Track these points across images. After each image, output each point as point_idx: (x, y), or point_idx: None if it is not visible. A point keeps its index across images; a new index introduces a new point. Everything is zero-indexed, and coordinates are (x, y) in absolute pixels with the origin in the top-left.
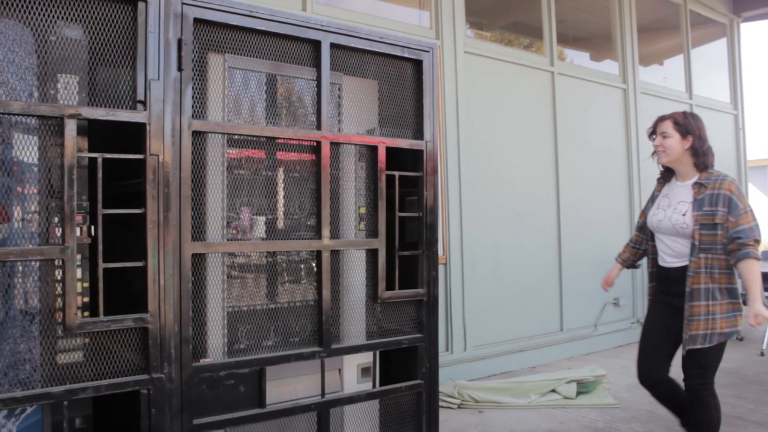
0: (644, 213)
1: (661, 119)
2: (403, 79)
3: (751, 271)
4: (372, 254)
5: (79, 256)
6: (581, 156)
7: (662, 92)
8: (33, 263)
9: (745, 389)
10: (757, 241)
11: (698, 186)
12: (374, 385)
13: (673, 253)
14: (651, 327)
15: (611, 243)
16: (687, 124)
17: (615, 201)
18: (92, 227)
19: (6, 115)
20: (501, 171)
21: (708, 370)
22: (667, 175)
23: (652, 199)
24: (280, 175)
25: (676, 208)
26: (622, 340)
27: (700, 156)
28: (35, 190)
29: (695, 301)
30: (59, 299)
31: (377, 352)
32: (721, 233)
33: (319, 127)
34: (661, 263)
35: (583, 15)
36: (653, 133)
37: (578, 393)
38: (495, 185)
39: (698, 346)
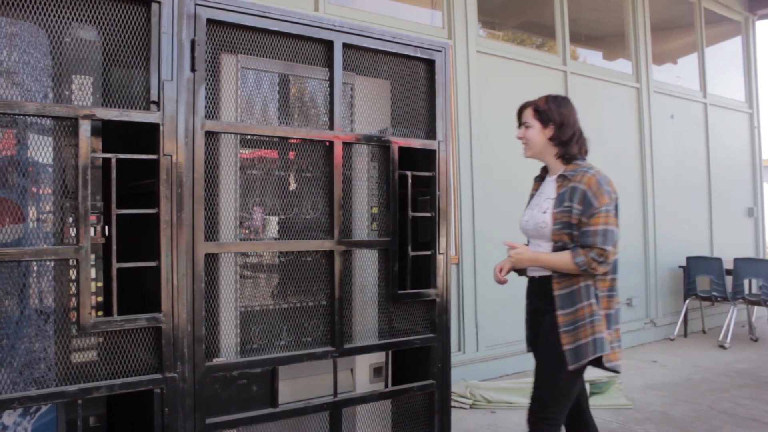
0: None
1: (523, 107)
2: (415, 78)
3: (560, 261)
4: (384, 254)
5: (93, 256)
6: (594, 155)
7: (676, 91)
8: (48, 263)
9: (760, 390)
10: (600, 253)
11: (562, 179)
12: (386, 385)
13: None
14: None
15: (624, 242)
16: (547, 111)
17: (628, 200)
18: (106, 227)
19: (21, 116)
20: (514, 171)
21: (548, 400)
22: (543, 173)
23: (529, 200)
24: (293, 175)
25: (541, 206)
26: (635, 340)
27: (563, 146)
28: (50, 191)
29: (578, 303)
30: (73, 299)
31: (389, 352)
32: (576, 234)
33: (331, 127)
34: (528, 273)
35: (596, 14)
36: (518, 121)
37: (591, 393)
38: (507, 185)
39: (590, 359)
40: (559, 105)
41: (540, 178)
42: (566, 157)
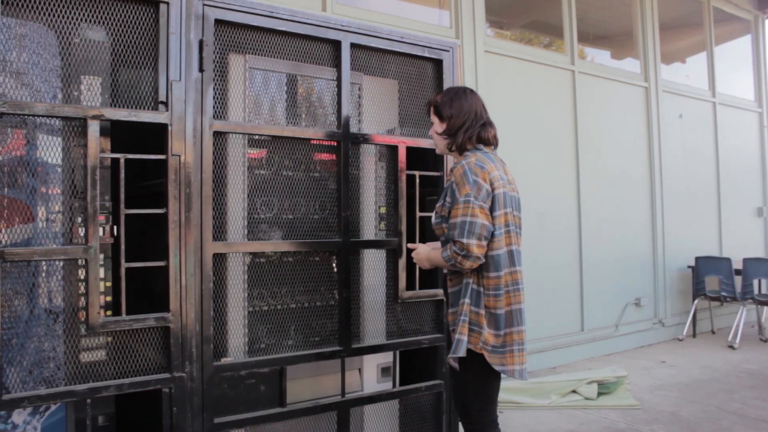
0: None
1: (427, 104)
2: (423, 78)
3: (440, 255)
4: (392, 254)
5: (101, 256)
6: (602, 155)
7: (684, 90)
8: (57, 263)
9: None
10: (462, 247)
11: (450, 173)
12: (394, 385)
13: None
14: None
15: (633, 243)
16: (440, 105)
17: (636, 200)
18: (115, 227)
19: (31, 117)
20: (521, 170)
21: (464, 403)
22: None
23: None
24: (301, 175)
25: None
26: (643, 340)
27: (452, 138)
28: (59, 191)
29: (452, 307)
30: (82, 298)
31: (397, 352)
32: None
33: (339, 127)
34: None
35: (604, 13)
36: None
37: (599, 394)
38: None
39: (451, 356)
40: (451, 97)
41: None
42: (460, 150)
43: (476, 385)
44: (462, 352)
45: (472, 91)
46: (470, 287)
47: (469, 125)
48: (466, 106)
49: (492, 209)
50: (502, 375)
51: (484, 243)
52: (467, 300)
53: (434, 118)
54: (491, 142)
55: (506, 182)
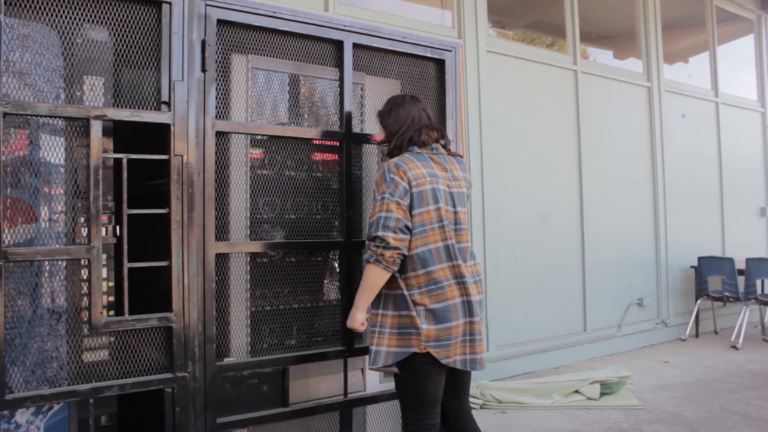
0: None
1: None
2: (425, 78)
3: (364, 276)
4: None
5: (104, 256)
6: (605, 155)
7: (687, 90)
8: (59, 262)
9: None
10: (379, 240)
11: None
12: None
13: None
14: None
15: (635, 243)
16: (381, 114)
17: (639, 200)
18: (117, 227)
19: (34, 117)
20: (523, 170)
21: (403, 407)
22: None
23: None
24: (303, 175)
25: None
26: (646, 340)
27: (389, 143)
28: (62, 191)
29: (373, 309)
30: (85, 298)
31: None
32: None
33: (342, 126)
34: None
35: (607, 12)
36: None
37: (602, 394)
38: (517, 185)
39: (370, 367)
40: (390, 106)
41: None
42: (391, 156)
43: (411, 388)
44: (381, 362)
45: (412, 97)
46: (395, 294)
47: (405, 130)
48: (402, 114)
49: (413, 206)
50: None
51: (402, 236)
52: (389, 311)
53: (381, 127)
54: (427, 143)
55: (443, 178)
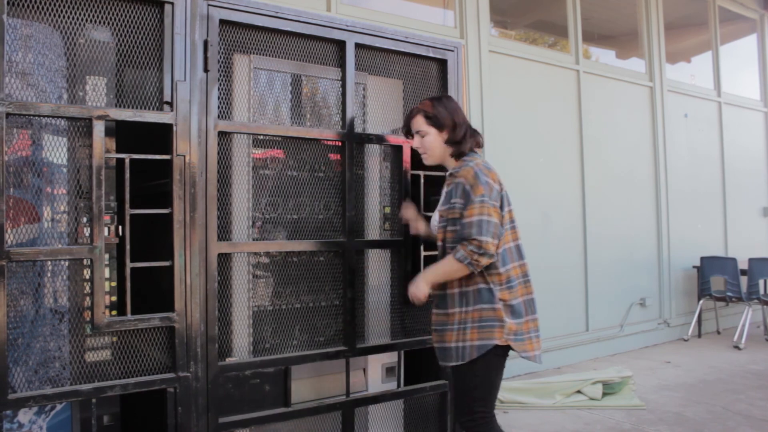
0: None
1: (411, 115)
2: (427, 78)
3: (448, 266)
4: (397, 254)
5: (107, 256)
6: (607, 155)
7: (690, 90)
8: (62, 262)
9: None
10: (478, 244)
11: (449, 176)
12: (399, 385)
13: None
14: None
15: (637, 243)
16: (438, 115)
17: (641, 200)
18: (120, 227)
19: (36, 117)
20: (526, 170)
21: (472, 401)
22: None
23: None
24: (305, 175)
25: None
26: (648, 341)
27: (458, 145)
28: (64, 191)
29: (450, 308)
30: (87, 298)
31: (402, 352)
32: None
33: (344, 126)
34: None
35: (609, 12)
36: (408, 131)
37: (604, 394)
38: (519, 185)
39: (452, 363)
40: (446, 106)
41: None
42: (456, 156)
43: (485, 381)
44: (469, 357)
45: (448, 97)
46: (475, 290)
47: (470, 132)
48: (461, 114)
49: (501, 208)
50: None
51: (497, 242)
52: (470, 306)
53: (429, 129)
54: (481, 146)
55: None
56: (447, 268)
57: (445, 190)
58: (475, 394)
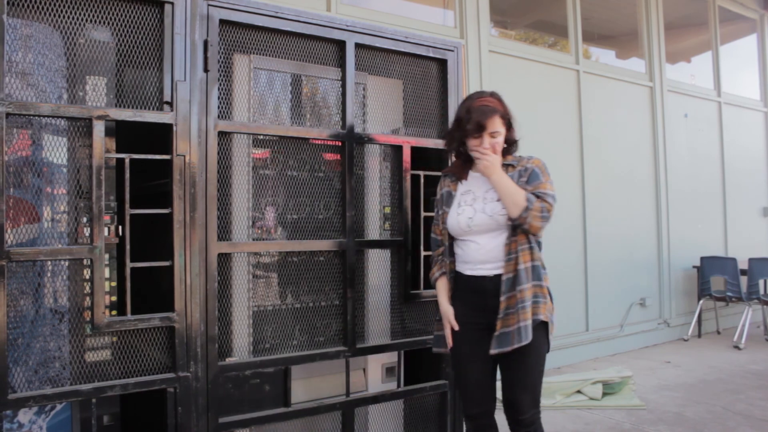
0: (441, 218)
1: (488, 115)
2: (427, 78)
3: (516, 187)
4: (397, 254)
5: (107, 256)
6: (607, 155)
7: (690, 90)
8: (62, 262)
9: None
10: (549, 206)
11: (506, 167)
12: (399, 385)
13: (486, 255)
14: (466, 356)
15: (637, 243)
16: (509, 115)
17: (641, 200)
18: (120, 227)
19: (36, 117)
20: None
21: (537, 388)
22: (462, 171)
23: (448, 201)
24: (305, 175)
25: (486, 198)
26: (648, 341)
27: (512, 144)
28: (64, 191)
29: (520, 284)
30: (87, 298)
31: (402, 352)
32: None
33: (344, 126)
34: (469, 273)
35: (609, 12)
36: (478, 131)
37: (604, 394)
38: None
39: (524, 342)
40: (506, 104)
41: (455, 177)
42: (506, 153)
43: (543, 363)
44: (552, 330)
45: None
46: (539, 265)
47: None
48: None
49: None
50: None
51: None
52: (540, 281)
53: (502, 129)
54: None
55: None
56: (514, 190)
57: (510, 172)
58: (540, 380)
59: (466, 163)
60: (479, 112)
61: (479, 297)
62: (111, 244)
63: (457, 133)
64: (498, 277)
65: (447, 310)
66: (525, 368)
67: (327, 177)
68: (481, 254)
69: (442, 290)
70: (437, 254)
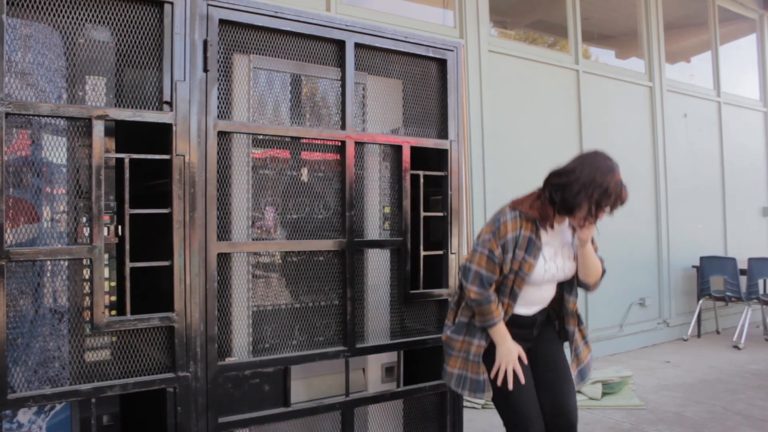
0: (519, 262)
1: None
2: (427, 78)
3: (597, 260)
4: (396, 254)
5: (106, 256)
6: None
7: (689, 90)
8: (62, 262)
9: None
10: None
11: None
12: (398, 385)
13: (540, 300)
14: (523, 384)
15: (637, 243)
16: None
17: (641, 200)
18: (119, 227)
19: (36, 117)
20: (525, 170)
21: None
22: (551, 219)
23: (529, 249)
24: (305, 174)
25: (562, 253)
26: (647, 340)
27: None
28: (64, 191)
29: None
30: (87, 298)
31: (401, 352)
32: None
33: (343, 126)
34: (522, 312)
35: (609, 12)
36: (615, 208)
37: (603, 394)
38: (520, 184)
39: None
40: None
41: (538, 223)
42: None
43: None
44: None
45: None
46: None
47: None
48: None
49: None
50: None
51: None
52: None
53: None
54: None
55: None
56: (597, 262)
57: (571, 238)
58: None
59: (555, 213)
60: (625, 192)
61: (525, 330)
62: (110, 243)
63: (601, 200)
64: (535, 314)
65: (515, 348)
66: (568, 376)
67: (327, 177)
68: (535, 299)
69: (506, 332)
70: (490, 293)
